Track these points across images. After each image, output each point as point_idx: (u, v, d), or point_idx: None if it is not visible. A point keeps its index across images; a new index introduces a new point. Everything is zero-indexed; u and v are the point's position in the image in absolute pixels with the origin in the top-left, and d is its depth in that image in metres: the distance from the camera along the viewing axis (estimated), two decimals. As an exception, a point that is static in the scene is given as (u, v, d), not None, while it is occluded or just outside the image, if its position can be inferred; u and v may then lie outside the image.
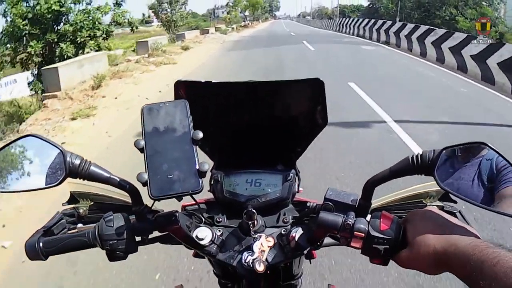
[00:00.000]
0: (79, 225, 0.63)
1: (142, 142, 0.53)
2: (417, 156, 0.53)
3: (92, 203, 0.67)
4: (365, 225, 0.54)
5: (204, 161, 0.51)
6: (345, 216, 0.55)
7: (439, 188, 0.52)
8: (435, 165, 0.52)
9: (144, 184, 0.50)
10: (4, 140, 3.86)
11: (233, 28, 28.05)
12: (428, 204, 0.65)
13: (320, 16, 78.84)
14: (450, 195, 0.53)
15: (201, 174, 0.51)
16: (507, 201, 0.52)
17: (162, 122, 0.54)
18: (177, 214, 0.56)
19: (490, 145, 0.51)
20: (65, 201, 0.66)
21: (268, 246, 0.59)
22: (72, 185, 0.61)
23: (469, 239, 0.46)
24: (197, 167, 0.51)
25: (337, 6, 36.09)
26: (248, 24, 40.35)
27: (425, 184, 0.62)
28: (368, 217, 0.55)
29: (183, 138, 0.53)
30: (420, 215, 0.53)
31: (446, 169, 0.55)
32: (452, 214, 0.60)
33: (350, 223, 0.55)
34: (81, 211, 0.66)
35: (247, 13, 45.64)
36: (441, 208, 0.62)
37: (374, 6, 54.17)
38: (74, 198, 0.67)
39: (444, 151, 0.52)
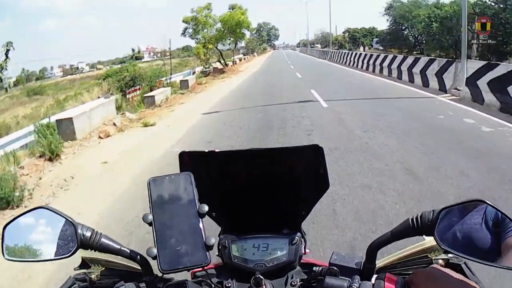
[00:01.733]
0: None
1: (150, 217, 0.58)
2: (416, 217, 0.60)
3: (103, 268, 0.74)
4: None
5: (211, 236, 0.59)
6: (350, 280, 0.61)
7: None
8: (435, 226, 0.57)
9: (154, 258, 0.57)
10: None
11: (184, 86, 15.57)
12: (433, 258, 0.72)
13: (324, 44, 67.01)
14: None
15: (208, 247, 0.57)
16: (510, 253, 0.55)
17: (168, 195, 0.60)
18: (186, 283, 0.63)
19: (488, 201, 0.57)
20: (77, 266, 0.75)
21: None
22: (84, 250, 0.70)
23: None
24: (204, 240, 0.57)
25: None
26: (229, 65, 28.83)
27: (430, 239, 0.69)
28: (374, 278, 0.63)
29: (189, 211, 0.59)
30: (423, 276, 0.59)
31: (447, 227, 0.58)
32: (458, 266, 0.68)
33: (355, 287, 0.60)
34: (93, 276, 0.72)
35: (242, 44, 37.10)
36: (446, 261, 0.71)
37: (400, 27, 40.30)
38: (85, 263, 0.75)
39: (443, 211, 0.58)
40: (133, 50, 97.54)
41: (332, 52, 34.09)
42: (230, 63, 28.75)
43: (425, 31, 28.59)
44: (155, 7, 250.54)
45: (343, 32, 70.92)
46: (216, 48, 26.41)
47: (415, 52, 30.94)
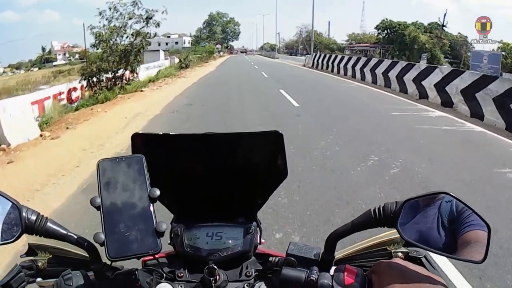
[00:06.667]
0: (38, 279, 0.66)
1: (98, 200, 0.56)
2: (379, 208, 0.58)
3: (51, 256, 0.70)
4: (329, 280, 0.58)
5: (162, 221, 0.57)
6: (308, 271, 0.59)
7: None
8: (398, 217, 0.56)
9: (102, 244, 0.54)
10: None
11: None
12: (392, 251, 0.70)
13: (307, 45, 48.18)
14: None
15: (159, 234, 0.55)
16: (470, 246, 0.55)
17: (118, 179, 0.57)
18: (136, 272, 0.60)
19: (451, 194, 0.57)
20: (23, 253, 0.71)
21: None
22: (31, 236, 0.66)
23: None
24: (155, 226, 0.55)
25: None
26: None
27: (389, 232, 0.69)
28: (332, 269, 0.61)
29: (140, 195, 0.56)
30: (385, 267, 0.58)
31: (409, 220, 0.57)
32: (418, 259, 0.67)
33: (314, 278, 0.58)
34: (40, 264, 0.68)
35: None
36: (406, 254, 0.69)
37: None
38: (32, 250, 0.70)
39: (406, 203, 0.57)
40: (43, 49, 64.82)
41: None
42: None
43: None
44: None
45: (377, 28, 51.52)
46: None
47: None
